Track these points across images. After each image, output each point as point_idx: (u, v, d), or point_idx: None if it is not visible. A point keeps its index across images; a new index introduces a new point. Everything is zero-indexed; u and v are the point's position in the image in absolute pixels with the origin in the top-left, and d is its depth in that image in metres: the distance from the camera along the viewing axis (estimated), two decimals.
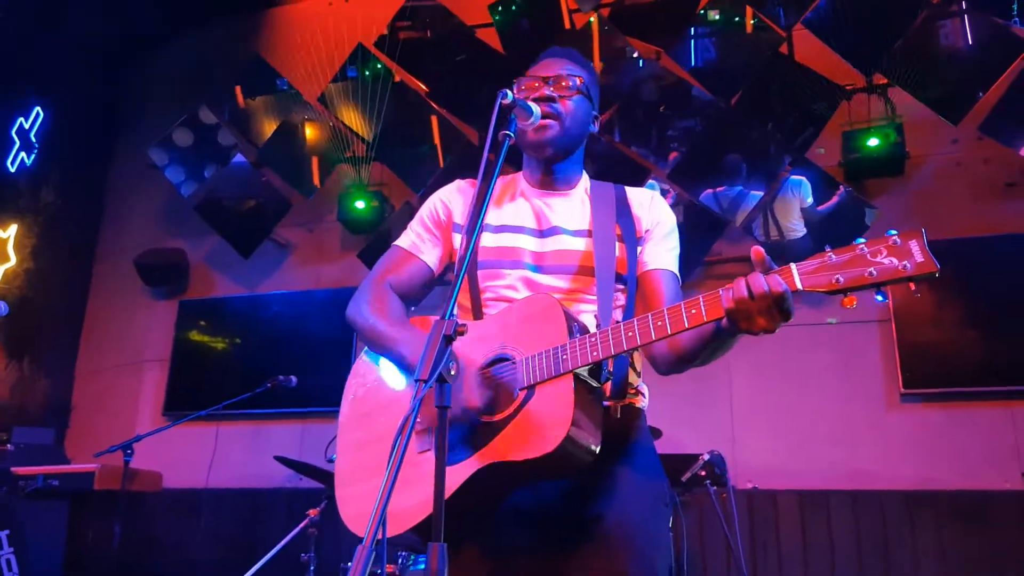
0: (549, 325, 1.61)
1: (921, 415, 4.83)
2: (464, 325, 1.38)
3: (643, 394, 1.83)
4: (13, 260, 7.07)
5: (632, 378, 1.78)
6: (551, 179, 1.92)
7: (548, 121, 1.82)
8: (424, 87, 6.05)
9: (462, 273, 1.48)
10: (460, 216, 1.94)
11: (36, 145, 7.26)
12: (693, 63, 5.50)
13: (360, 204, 6.00)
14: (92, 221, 7.39)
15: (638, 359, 1.84)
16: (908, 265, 1.31)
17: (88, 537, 4.79)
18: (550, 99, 1.83)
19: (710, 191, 5.34)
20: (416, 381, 1.30)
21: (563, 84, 1.86)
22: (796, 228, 5.20)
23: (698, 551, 4.72)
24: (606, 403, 1.70)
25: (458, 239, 1.92)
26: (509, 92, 1.70)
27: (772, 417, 5.07)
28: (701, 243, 5.18)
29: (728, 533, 3.59)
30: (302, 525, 3.71)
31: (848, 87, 5.10)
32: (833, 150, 5.17)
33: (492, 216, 1.91)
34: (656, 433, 3.68)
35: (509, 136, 1.66)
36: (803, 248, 5.13)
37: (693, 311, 1.46)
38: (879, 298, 1.37)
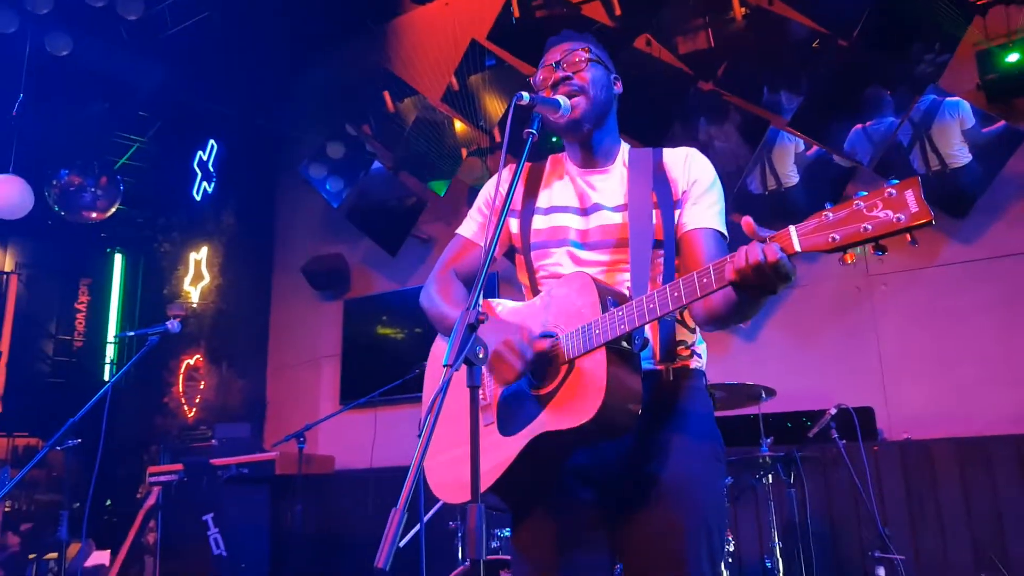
0: (585, 301, 1.74)
1: None
2: (485, 314, 1.56)
3: (698, 354, 1.89)
4: (207, 278, 8.08)
5: (683, 335, 1.87)
6: (591, 155, 2.00)
7: (574, 99, 1.92)
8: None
9: (486, 266, 1.65)
10: (514, 200, 2.04)
11: (214, 174, 8.20)
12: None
13: None
14: (266, 236, 8.24)
15: (689, 316, 1.89)
16: (903, 216, 1.31)
17: (284, 516, 5.42)
18: (567, 78, 1.93)
19: (859, 127, 5.06)
20: (444, 366, 1.49)
21: (572, 60, 1.96)
22: (959, 155, 4.81)
23: (852, 509, 4.58)
24: (657, 366, 1.82)
25: (514, 223, 2.04)
26: (525, 94, 1.82)
27: (924, 362, 4.81)
28: (829, 193, 4.95)
29: (861, 489, 3.52)
30: None
31: (980, 1, 4.68)
32: (968, 73, 4.77)
33: (542, 198, 2.03)
34: (770, 392, 3.65)
35: (532, 134, 1.79)
36: (970, 176, 4.72)
37: (704, 280, 1.53)
38: (879, 253, 1.37)
